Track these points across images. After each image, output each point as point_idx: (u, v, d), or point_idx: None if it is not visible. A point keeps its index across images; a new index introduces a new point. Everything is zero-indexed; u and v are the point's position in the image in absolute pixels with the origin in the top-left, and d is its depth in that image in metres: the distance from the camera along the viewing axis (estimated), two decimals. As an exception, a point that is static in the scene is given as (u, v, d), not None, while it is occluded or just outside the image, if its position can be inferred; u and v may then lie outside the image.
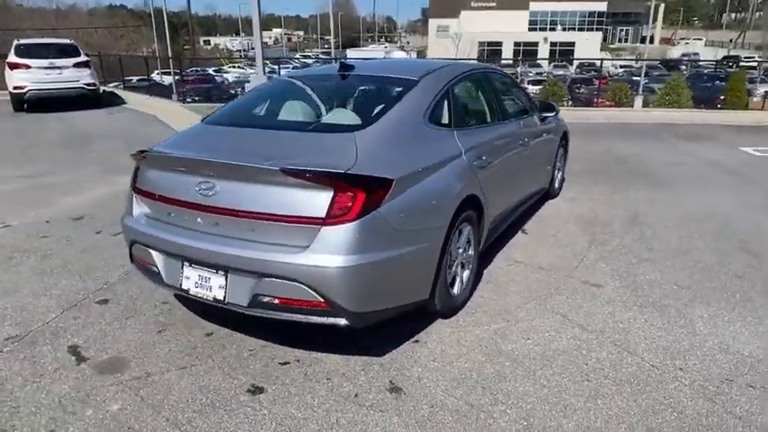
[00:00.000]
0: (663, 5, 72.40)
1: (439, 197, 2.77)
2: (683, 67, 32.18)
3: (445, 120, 3.15)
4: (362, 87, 3.43)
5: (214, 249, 2.48)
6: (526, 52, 55.37)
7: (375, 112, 2.85)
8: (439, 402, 2.36)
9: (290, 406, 2.35)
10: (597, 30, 60.86)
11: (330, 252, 2.28)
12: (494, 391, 2.43)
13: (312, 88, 3.41)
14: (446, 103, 3.19)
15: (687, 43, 70.04)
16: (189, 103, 13.93)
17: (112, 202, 5.52)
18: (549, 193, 5.40)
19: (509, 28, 58.61)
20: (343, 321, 2.38)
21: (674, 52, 61.44)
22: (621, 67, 39.36)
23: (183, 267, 2.63)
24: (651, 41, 75.53)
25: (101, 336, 2.94)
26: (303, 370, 2.61)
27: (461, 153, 3.08)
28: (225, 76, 36.78)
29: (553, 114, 4.69)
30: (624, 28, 73.43)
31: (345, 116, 3.01)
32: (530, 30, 61.34)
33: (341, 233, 2.28)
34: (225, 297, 2.51)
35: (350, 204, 2.28)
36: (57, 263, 3.95)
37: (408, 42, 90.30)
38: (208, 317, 3.11)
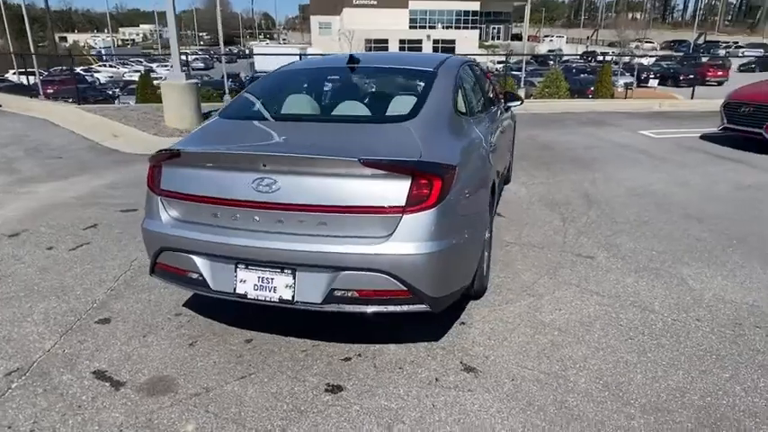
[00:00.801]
0: (528, 5, 78.71)
1: (481, 182, 2.88)
2: (551, 62, 35.44)
3: (462, 108, 3.25)
4: (384, 79, 3.41)
5: (279, 247, 2.36)
6: (411, 49, 57.41)
7: (411, 102, 2.87)
8: (517, 375, 2.47)
9: (379, 398, 2.33)
10: (473, 28, 64.75)
11: (413, 240, 2.29)
12: (558, 358, 2.60)
13: (333, 80, 3.33)
14: (460, 92, 3.29)
15: (551, 40, 76.77)
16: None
17: (48, 213, 4.91)
18: (507, 179, 5.75)
19: (391, 26, 60.25)
20: (423, 307, 2.40)
21: (542, 48, 67.07)
22: (499, 62, 42.32)
23: (236, 270, 2.46)
24: (520, 39, 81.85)
25: (124, 357, 2.65)
26: (370, 363, 2.58)
27: (482, 139, 3.21)
28: (96, 75, 33.52)
29: (519, 103, 5.00)
30: (496, 26, 78.66)
31: (382, 107, 2.99)
32: (410, 27, 63.60)
33: (422, 220, 2.30)
34: (294, 296, 2.40)
35: (427, 192, 2.30)
36: (18, 286, 3.44)
37: (285, 40, 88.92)
38: (236, 323, 2.93)
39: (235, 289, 2.48)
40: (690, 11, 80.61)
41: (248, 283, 2.45)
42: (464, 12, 65.05)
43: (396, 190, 2.28)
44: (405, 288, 2.32)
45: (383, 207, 2.29)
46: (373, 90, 3.38)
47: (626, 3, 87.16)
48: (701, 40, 59.56)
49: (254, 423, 2.18)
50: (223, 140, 2.75)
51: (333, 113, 3.02)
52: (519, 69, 32.93)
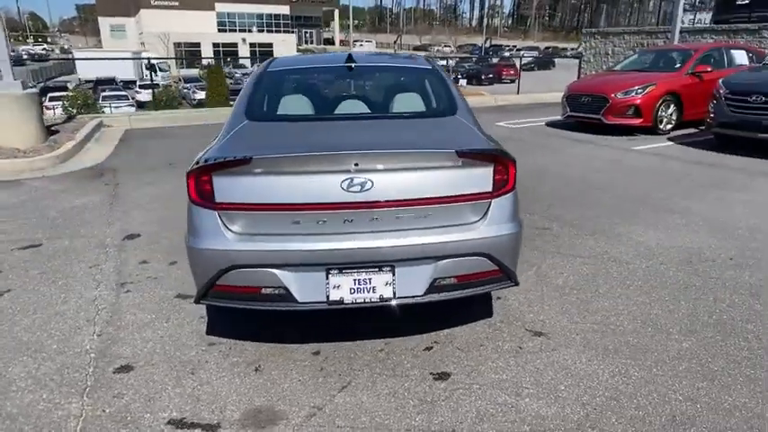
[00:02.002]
0: (337, 11, 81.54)
1: None
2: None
3: (459, 101, 3.49)
4: (393, 76, 3.43)
5: (377, 246, 2.33)
6: (227, 53, 55.24)
7: (439, 97, 3.00)
8: (578, 330, 2.82)
9: (488, 373, 2.46)
10: (285, 32, 64.86)
11: (502, 222, 2.46)
12: (594, 310, 3.02)
13: (344, 78, 3.24)
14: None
15: (362, 45, 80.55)
16: None
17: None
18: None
19: (196, 28, 57.19)
20: (509, 284, 2.58)
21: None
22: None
23: (328, 277, 2.35)
24: (333, 43, 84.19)
25: (191, 399, 2.33)
26: (451, 347, 2.69)
27: None
28: None
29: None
30: (309, 30, 79.91)
31: (415, 102, 3.05)
32: (220, 30, 61.21)
33: (506, 203, 2.49)
34: (394, 293, 2.38)
35: (506, 177, 2.49)
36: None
37: (68, 44, 78.29)
38: (286, 339, 2.76)
39: (328, 297, 2.36)
40: (476, 18, 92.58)
41: (343, 288, 2.36)
42: (274, 15, 64.69)
43: (483, 177, 2.43)
44: (497, 268, 2.49)
45: (476, 194, 2.42)
46: (391, 86, 3.41)
47: (422, 11, 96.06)
48: (488, 44, 68.47)
49: (397, 425, 2.15)
50: (279, 144, 2.55)
51: (372, 110, 2.99)
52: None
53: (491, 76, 36.63)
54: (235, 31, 62.33)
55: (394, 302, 2.40)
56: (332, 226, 2.35)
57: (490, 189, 2.44)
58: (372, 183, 2.31)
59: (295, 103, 3.09)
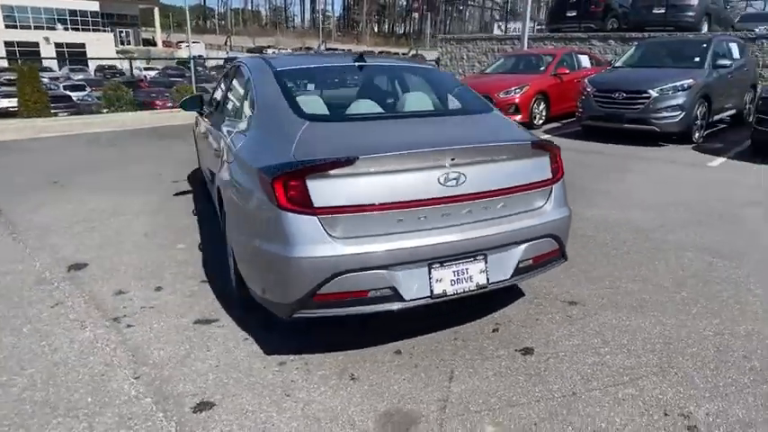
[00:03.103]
0: (157, 9, 75.38)
1: None
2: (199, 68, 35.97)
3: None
4: (408, 75, 3.43)
5: (473, 236, 2.43)
6: (25, 53, 47.46)
7: (466, 94, 3.15)
8: (620, 286, 3.23)
9: (567, 340, 2.73)
10: (95, 30, 58.14)
11: (561, 205, 2.74)
12: (617, 276, 3.47)
13: (365, 78, 3.18)
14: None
15: (188, 46, 75.66)
16: None
17: None
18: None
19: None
20: (563, 262, 2.86)
21: (182, 54, 65.71)
22: (145, 68, 39.94)
23: (431, 272, 2.37)
24: (154, 44, 77.61)
25: (317, 421, 2.18)
26: (515, 325, 2.89)
27: None
28: None
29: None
30: (125, 30, 72.54)
31: (451, 101, 3.14)
32: (8, 27, 52.52)
33: (561, 188, 2.77)
34: (488, 280, 2.50)
35: (558, 164, 2.77)
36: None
37: None
38: (352, 345, 2.70)
39: (432, 291, 2.39)
40: (307, 20, 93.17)
41: (444, 281, 2.41)
42: (80, 12, 57.48)
43: (544, 165, 2.68)
44: (558, 247, 2.75)
45: (542, 181, 2.65)
46: (418, 85, 3.42)
47: (250, 12, 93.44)
48: (323, 48, 69.45)
49: (526, 397, 2.29)
50: (364, 143, 2.45)
51: (417, 108, 3.01)
52: (180, 76, 31.88)
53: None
54: (29, 27, 53.92)
55: (488, 288, 2.52)
56: (432, 221, 2.38)
57: (550, 176, 2.70)
58: (465, 176, 2.40)
59: (336, 103, 2.98)
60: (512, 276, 2.58)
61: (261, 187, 2.36)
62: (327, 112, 2.88)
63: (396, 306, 2.37)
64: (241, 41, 77.70)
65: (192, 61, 16.35)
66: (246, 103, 3.23)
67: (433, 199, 2.36)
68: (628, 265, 3.69)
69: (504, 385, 2.39)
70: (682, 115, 7.34)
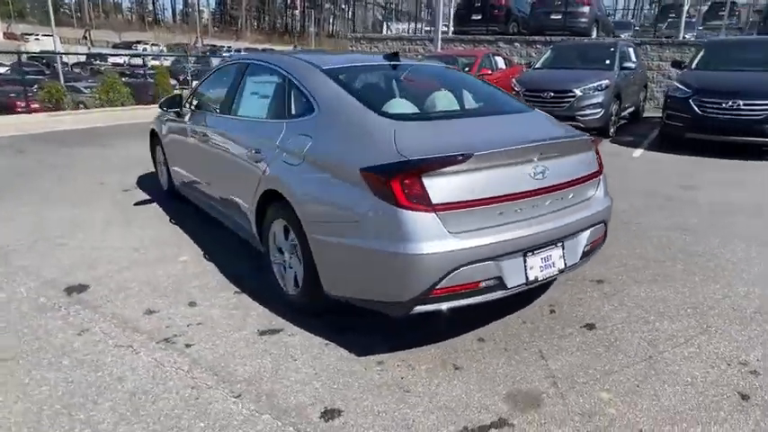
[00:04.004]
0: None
1: None
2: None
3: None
4: (447, 76, 3.53)
5: (556, 225, 2.64)
6: None
7: (501, 94, 3.35)
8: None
9: (615, 314, 3.05)
10: None
11: (606, 194, 3.05)
12: (624, 254, 3.89)
13: (416, 78, 3.20)
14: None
15: (38, 38, 67.46)
16: None
17: None
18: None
19: None
20: (602, 245, 3.18)
21: (32, 48, 58.50)
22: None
23: (525, 260, 2.54)
24: (-6, 36, 67.92)
25: (450, 408, 2.24)
26: (567, 305, 3.16)
27: None
28: None
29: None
30: (-46, 19, 62.66)
31: (499, 99, 3.32)
32: None
33: (605, 179, 3.08)
34: (565, 264, 2.72)
35: (599, 158, 3.08)
36: None
37: None
38: (427, 340, 2.79)
39: (527, 277, 2.56)
40: (178, 15, 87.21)
41: (535, 268, 2.59)
42: None
43: (593, 159, 2.97)
44: (605, 232, 3.07)
45: (594, 172, 2.94)
46: (459, 84, 3.52)
47: (112, 4, 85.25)
48: (199, 44, 65.74)
49: (620, 364, 2.55)
50: (459, 141, 2.51)
51: (476, 107, 3.13)
52: (40, 73, 28.54)
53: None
54: None
55: (565, 272, 2.75)
56: (525, 213, 2.55)
57: (597, 168, 3.00)
58: (548, 170, 2.61)
59: (401, 102, 3.00)
60: (579, 260, 2.84)
61: (368, 187, 2.35)
62: (406, 111, 2.91)
63: (500, 294, 2.52)
64: (104, 36, 70.88)
65: (58, 57, 14.60)
66: (286, 104, 3.13)
67: (526, 192, 2.53)
68: (623, 245, 4.16)
69: (590, 357, 2.64)
70: (602, 112, 8.29)
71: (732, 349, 2.71)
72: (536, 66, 9.90)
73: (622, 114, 9.59)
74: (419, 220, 2.28)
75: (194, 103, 4.41)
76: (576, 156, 2.82)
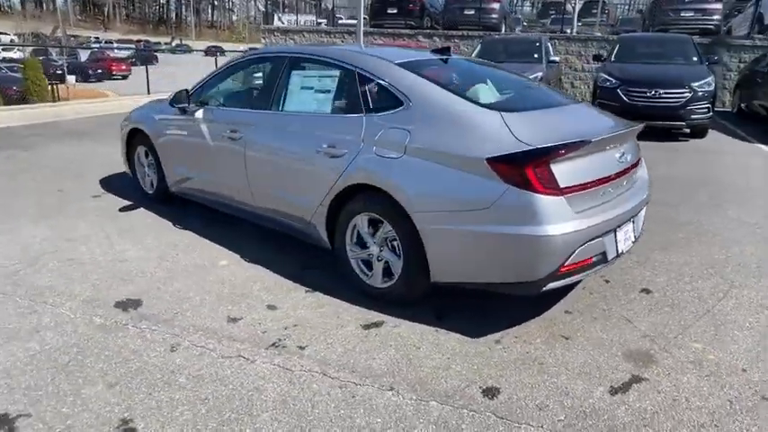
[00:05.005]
0: None
1: None
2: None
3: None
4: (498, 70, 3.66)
5: (632, 204, 2.96)
6: None
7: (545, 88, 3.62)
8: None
9: (666, 282, 3.46)
10: None
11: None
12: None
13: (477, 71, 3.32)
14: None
15: None
16: None
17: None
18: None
19: None
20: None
21: None
22: None
23: (616, 235, 2.83)
24: None
25: (582, 374, 2.47)
26: (620, 276, 3.52)
27: None
28: None
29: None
30: None
31: (549, 91, 3.56)
32: None
33: (643, 161, 3.48)
34: (635, 237, 3.07)
35: (638, 144, 3.47)
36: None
37: None
38: (527, 316, 3.02)
39: (617, 250, 2.86)
40: (28, 2, 76.46)
41: (620, 242, 2.90)
42: None
43: (637, 145, 3.35)
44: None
45: (639, 157, 3.31)
46: (511, 77, 3.67)
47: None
48: (59, 33, 58.90)
49: (689, 320, 2.95)
50: (565, 128, 2.74)
51: (548, 99, 3.36)
52: None
53: (99, 71, 32.49)
54: None
55: (635, 243, 3.09)
56: (614, 193, 2.85)
57: (640, 154, 3.38)
58: (625, 153, 2.93)
59: (486, 93, 3.11)
60: (639, 235, 3.21)
61: (498, 175, 2.48)
62: (494, 102, 3.03)
63: (601, 267, 2.78)
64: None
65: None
66: (361, 98, 3.10)
67: (615, 174, 2.82)
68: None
69: (664, 316, 3.01)
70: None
71: (761, 298, 3.25)
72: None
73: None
74: (553, 204, 2.47)
75: (206, 99, 4.14)
76: (634, 141, 3.18)
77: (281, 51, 3.84)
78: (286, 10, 35.57)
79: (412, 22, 15.02)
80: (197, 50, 34.63)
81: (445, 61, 3.54)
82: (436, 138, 2.76)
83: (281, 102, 3.57)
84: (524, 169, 2.44)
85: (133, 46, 47.11)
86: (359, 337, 2.77)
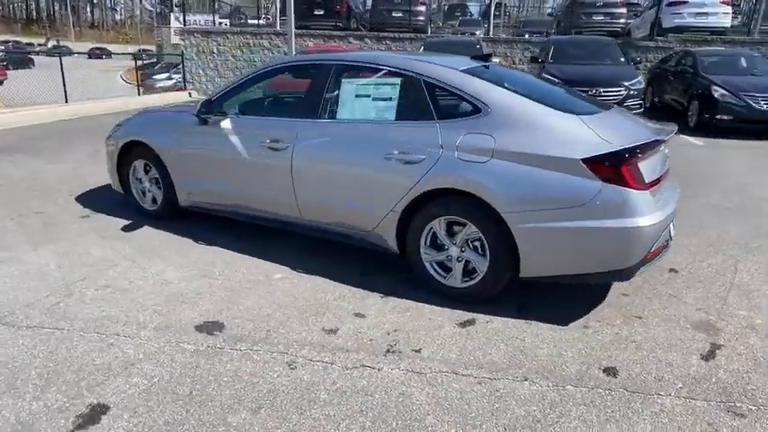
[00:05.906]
0: None
1: None
2: None
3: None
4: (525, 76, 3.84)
5: (675, 199, 3.32)
6: None
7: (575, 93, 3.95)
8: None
9: (688, 259, 3.92)
10: None
11: None
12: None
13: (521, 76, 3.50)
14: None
15: None
16: None
17: None
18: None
19: None
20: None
21: None
22: None
23: (671, 225, 3.19)
24: None
25: (645, 364, 2.79)
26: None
27: None
28: None
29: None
30: None
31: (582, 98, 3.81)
32: None
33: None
34: (673, 228, 3.45)
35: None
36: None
37: None
38: (593, 302, 3.32)
39: (671, 237, 3.22)
40: None
41: (670, 231, 3.25)
42: None
43: None
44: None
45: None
46: (543, 84, 3.83)
47: None
48: None
49: (725, 292, 3.40)
50: (622, 130, 3.04)
51: (590, 104, 3.56)
52: None
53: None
54: None
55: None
56: (660, 191, 3.17)
57: (666, 157, 3.82)
58: (667, 155, 3.30)
59: (554, 99, 3.34)
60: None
61: (594, 174, 2.72)
62: (568, 105, 3.24)
63: (665, 252, 3.14)
64: None
65: None
66: (431, 105, 3.19)
67: (664, 172, 3.18)
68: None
69: (701, 291, 3.44)
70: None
71: (766, 268, 3.83)
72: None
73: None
74: (643, 198, 2.77)
75: (231, 108, 3.98)
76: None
77: (323, 60, 3.79)
78: (176, 9, 33.35)
79: (340, 24, 15.02)
80: (78, 53, 31.26)
81: (487, 68, 3.73)
82: (523, 141, 2.93)
83: (333, 110, 3.56)
84: (621, 168, 2.71)
85: (2, 47, 41.95)
86: (462, 335, 2.88)
